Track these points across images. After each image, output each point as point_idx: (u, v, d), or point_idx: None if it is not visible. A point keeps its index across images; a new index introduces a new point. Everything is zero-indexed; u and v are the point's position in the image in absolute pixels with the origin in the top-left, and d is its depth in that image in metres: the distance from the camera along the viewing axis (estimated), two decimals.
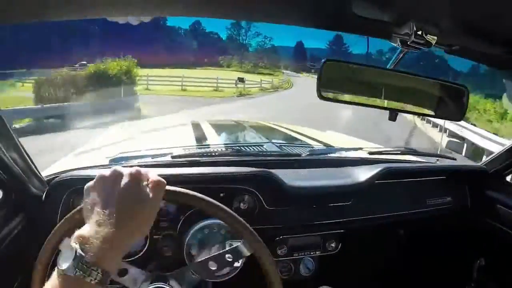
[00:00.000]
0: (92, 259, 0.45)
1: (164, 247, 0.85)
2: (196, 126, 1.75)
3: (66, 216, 0.63)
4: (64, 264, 0.44)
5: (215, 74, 20.69)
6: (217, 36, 45.38)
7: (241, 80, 20.47)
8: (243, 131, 1.92)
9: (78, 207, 0.61)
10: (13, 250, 0.79)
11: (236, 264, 0.83)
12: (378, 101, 0.82)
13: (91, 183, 0.54)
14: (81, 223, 0.54)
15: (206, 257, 0.83)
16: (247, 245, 0.67)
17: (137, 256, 0.87)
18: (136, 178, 0.54)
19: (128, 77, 12.49)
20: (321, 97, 0.75)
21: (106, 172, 0.54)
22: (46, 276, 0.46)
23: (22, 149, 0.80)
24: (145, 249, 0.87)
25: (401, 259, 1.15)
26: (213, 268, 0.85)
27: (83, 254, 0.45)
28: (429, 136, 8.72)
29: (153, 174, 0.56)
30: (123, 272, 0.65)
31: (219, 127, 1.82)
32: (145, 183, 0.55)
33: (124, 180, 0.53)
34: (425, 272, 1.20)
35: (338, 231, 0.99)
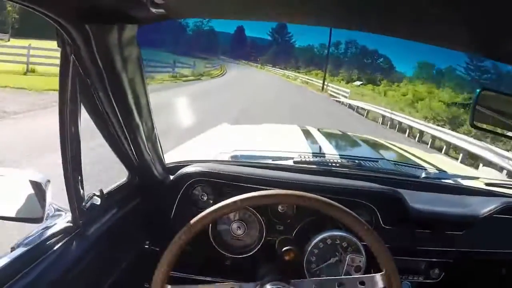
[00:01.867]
0: None
1: (282, 251, 0.87)
2: (307, 133, 1.80)
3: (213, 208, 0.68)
4: None
5: None
6: None
7: None
8: (353, 144, 1.94)
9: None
10: (124, 230, 0.84)
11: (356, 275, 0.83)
12: None
13: None
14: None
15: (323, 264, 0.84)
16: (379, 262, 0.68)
17: (249, 254, 0.91)
18: None
19: None
20: (474, 125, 0.74)
21: None
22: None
23: (157, 137, 0.85)
24: (257, 248, 0.91)
25: None
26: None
27: None
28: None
29: None
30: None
31: (328, 136, 1.84)
32: None
33: None
34: None
35: (444, 260, 0.97)
